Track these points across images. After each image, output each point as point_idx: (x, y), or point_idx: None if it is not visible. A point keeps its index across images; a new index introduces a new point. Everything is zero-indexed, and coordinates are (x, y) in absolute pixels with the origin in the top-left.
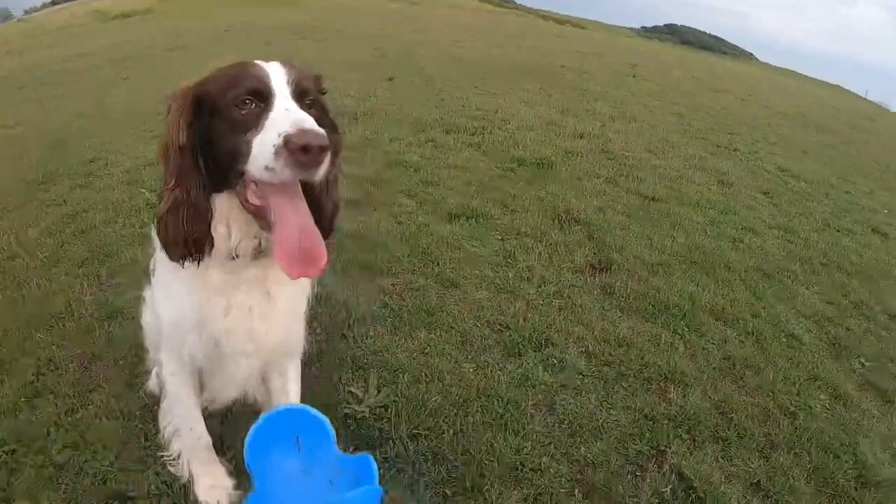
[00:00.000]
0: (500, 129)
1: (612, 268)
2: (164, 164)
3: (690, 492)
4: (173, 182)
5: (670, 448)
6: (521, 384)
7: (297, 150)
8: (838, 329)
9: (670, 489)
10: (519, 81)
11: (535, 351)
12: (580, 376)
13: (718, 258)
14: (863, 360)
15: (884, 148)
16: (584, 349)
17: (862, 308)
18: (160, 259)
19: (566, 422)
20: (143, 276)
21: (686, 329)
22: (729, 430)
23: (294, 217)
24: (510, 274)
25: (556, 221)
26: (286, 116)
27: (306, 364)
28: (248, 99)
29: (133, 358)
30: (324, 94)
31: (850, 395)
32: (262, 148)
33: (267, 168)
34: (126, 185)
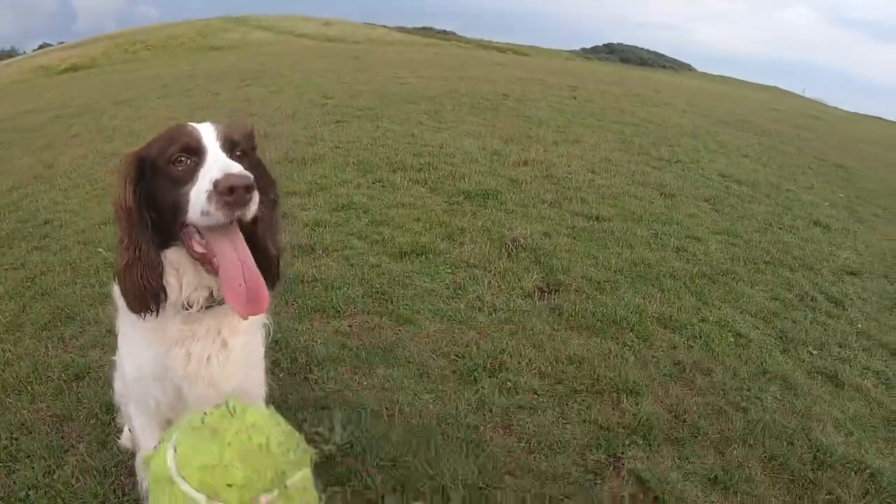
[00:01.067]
0: (445, 164)
1: (560, 289)
2: (117, 225)
3: (650, 493)
4: (126, 241)
5: (627, 454)
6: (478, 409)
7: (224, 191)
8: (784, 322)
9: (629, 493)
10: (462, 114)
11: (490, 376)
12: (535, 396)
13: (663, 268)
14: (811, 349)
15: (823, 143)
16: (537, 370)
17: (806, 300)
18: (122, 316)
19: (524, 440)
20: (107, 335)
21: (635, 340)
22: (682, 430)
23: (234, 255)
24: (461, 305)
25: (504, 250)
26: (215, 165)
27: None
28: (183, 156)
29: (104, 416)
30: (254, 148)
31: (801, 384)
32: (198, 197)
33: (203, 213)
34: (82, 245)
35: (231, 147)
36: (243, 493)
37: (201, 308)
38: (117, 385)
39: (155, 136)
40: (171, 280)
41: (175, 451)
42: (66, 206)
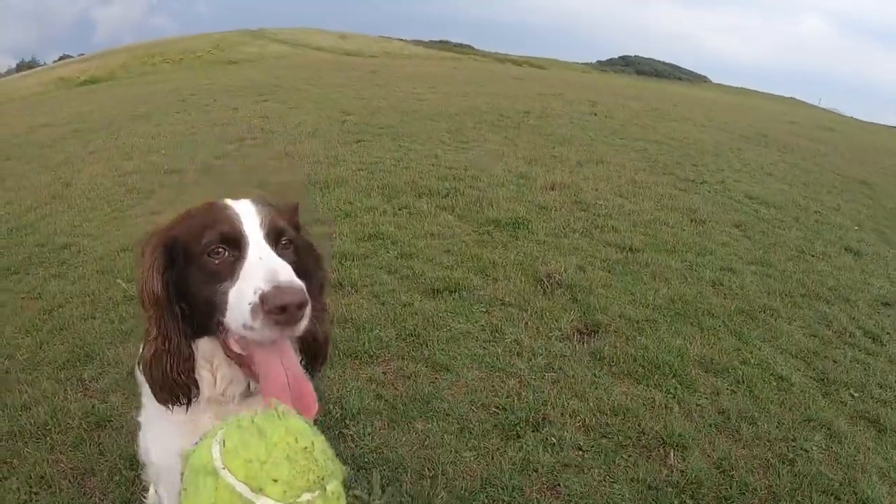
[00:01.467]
0: (471, 189)
1: (599, 331)
2: (143, 310)
3: None
4: (155, 332)
5: None
6: (523, 469)
7: (273, 310)
8: (825, 362)
9: None
10: (484, 132)
11: (533, 431)
12: (580, 452)
13: (701, 306)
14: (852, 392)
15: (842, 158)
16: (581, 423)
17: (844, 336)
18: (147, 398)
19: (572, 502)
20: (128, 378)
21: (678, 387)
22: (731, 488)
23: (280, 365)
24: (499, 350)
25: (539, 286)
26: (260, 266)
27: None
28: (221, 247)
29: (128, 471)
30: (299, 228)
31: (844, 432)
32: (239, 302)
33: (245, 327)
34: (101, 275)
35: (276, 237)
36: (287, 489)
37: (237, 402)
38: (142, 443)
39: (186, 212)
40: (203, 373)
41: (223, 444)
42: (85, 229)
